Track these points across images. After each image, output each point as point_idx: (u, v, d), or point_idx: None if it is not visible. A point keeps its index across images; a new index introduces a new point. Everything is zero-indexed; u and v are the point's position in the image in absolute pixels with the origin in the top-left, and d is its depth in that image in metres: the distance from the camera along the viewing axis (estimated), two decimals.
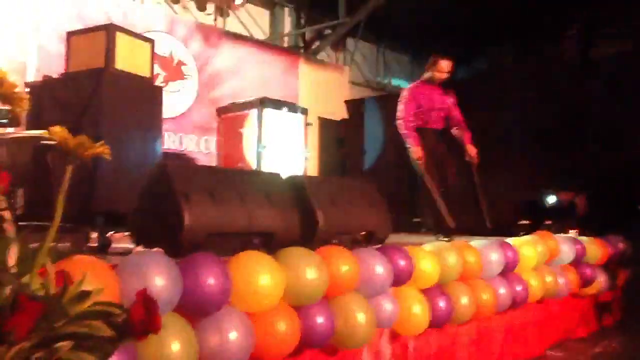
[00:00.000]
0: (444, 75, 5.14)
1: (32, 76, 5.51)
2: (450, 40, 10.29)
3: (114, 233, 3.60)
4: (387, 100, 10.00)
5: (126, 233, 3.14)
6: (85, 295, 0.93)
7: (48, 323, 0.84)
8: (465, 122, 5.26)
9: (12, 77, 1.22)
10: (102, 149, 1.01)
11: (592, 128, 6.42)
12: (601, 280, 4.81)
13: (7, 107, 1.17)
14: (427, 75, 5.23)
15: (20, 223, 2.59)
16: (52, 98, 3.60)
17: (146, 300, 0.90)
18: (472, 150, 5.17)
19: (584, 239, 4.77)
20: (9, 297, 0.83)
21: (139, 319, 0.88)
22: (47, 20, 6.07)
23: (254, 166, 5.34)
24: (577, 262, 4.55)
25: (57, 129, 0.97)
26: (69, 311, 0.89)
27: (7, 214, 0.93)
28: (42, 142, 2.65)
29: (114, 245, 3.28)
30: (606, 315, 5.11)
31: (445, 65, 5.11)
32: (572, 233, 5.22)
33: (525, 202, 6.03)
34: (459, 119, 5.28)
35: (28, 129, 3.52)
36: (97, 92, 3.45)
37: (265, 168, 5.27)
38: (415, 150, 5.06)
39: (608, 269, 4.94)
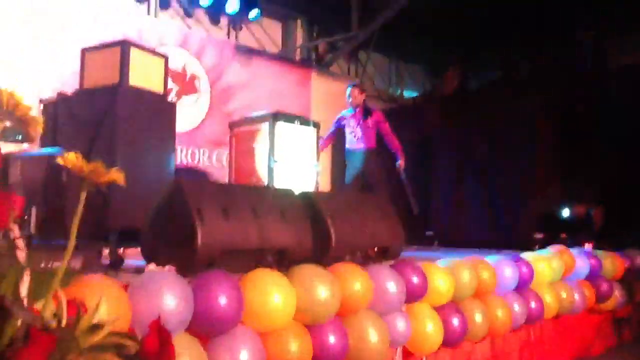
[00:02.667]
0: (351, 100, 6.39)
1: (48, 94, 5.56)
2: (462, 50, 10.29)
3: (126, 249, 3.60)
4: (400, 112, 9.99)
5: (139, 249, 3.13)
6: (98, 327, 0.92)
7: (60, 356, 0.83)
8: (393, 138, 6.33)
9: (26, 94, 1.22)
10: (116, 175, 1.00)
11: (608, 140, 6.35)
12: (618, 295, 4.74)
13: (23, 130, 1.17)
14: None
15: (33, 241, 2.59)
16: (66, 114, 3.62)
17: (160, 331, 0.89)
18: (401, 162, 6.23)
19: (600, 252, 4.71)
20: (21, 329, 0.83)
21: (152, 350, 0.87)
22: (61, 37, 6.13)
23: (266, 181, 5.33)
24: (593, 277, 4.48)
25: (70, 155, 0.97)
26: (81, 343, 0.88)
27: (20, 242, 0.93)
28: (57, 159, 2.66)
29: (127, 261, 3.28)
30: (624, 330, 5.03)
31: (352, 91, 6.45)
32: (588, 246, 5.16)
33: (540, 215, 5.98)
34: (387, 137, 6.34)
35: (42, 145, 3.55)
36: (112, 108, 3.47)
37: (278, 182, 5.25)
38: None
39: (625, 283, 4.87)
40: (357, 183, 6.23)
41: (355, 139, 6.36)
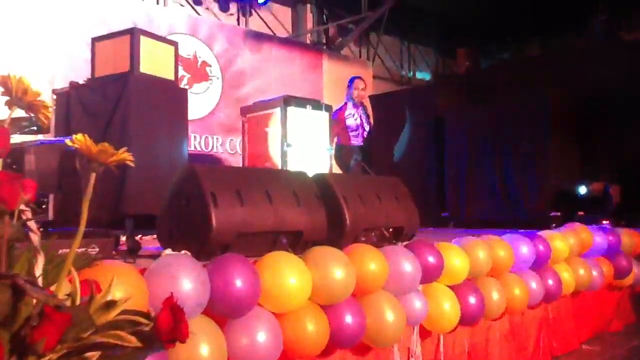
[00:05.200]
0: (357, 94, 6.31)
1: (60, 84, 5.60)
2: (474, 31, 10.18)
3: (142, 236, 3.63)
4: (412, 93, 9.92)
5: (155, 236, 3.16)
6: (112, 304, 0.93)
7: (75, 334, 0.84)
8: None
9: (38, 84, 1.23)
10: (125, 155, 1.00)
11: (624, 115, 6.25)
12: (637, 271, 4.69)
13: (31, 115, 1.18)
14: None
15: (51, 229, 2.63)
16: (79, 104, 3.65)
17: (173, 308, 0.90)
18: None
19: (617, 229, 4.66)
20: (36, 308, 0.84)
21: (166, 328, 0.88)
22: (72, 27, 6.16)
23: (279, 165, 5.34)
24: (611, 253, 4.44)
25: (79, 137, 0.97)
26: (96, 321, 0.89)
27: (33, 224, 0.94)
28: (70, 147, 2.68)
29: (144, 248, 3.31)
30: None
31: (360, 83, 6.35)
32: (605, 223, 5.11)
33: (557, 193, 5.92)
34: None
35: (57, 135, 3.58)
36: (123, 96, 3.48)
37: (291, 166, 5.26)
38: None
39: None
40: None
41: (358, 135, 6.33)
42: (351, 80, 6.44)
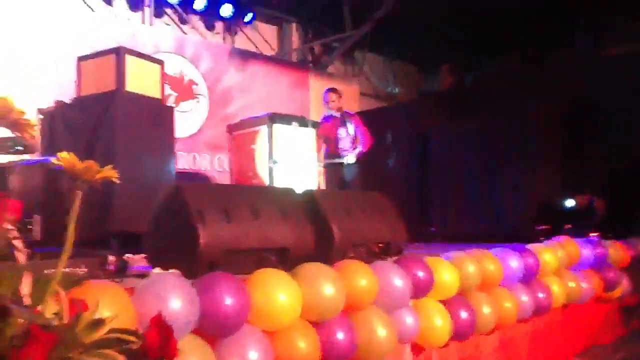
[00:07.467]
0: (330, 105, 6.25)
1: (46, 103, 5.57)
2: (457, 47, 10.29)
3: (130, 255, 3.59)
4: (397, 109, 9.98)
5: (143, 255, 3.13)
6: (99, 323, 0.91)
7: (62, 353, 0.82)
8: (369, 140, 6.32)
9: (24, 104, 1.22)
10: (110, 172, 0.99)
11: (608, 129, 6.32)
12: (625, 284, 4.72)
13: (17, 134, 1.16)
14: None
15: (37, 249, 2.59)
16: (65, 123, 3.62)
17: (161, 326, 0.88)
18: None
19: (605, 242, 4.69)
20: (22, 328, 0.82)
21: (154, 345, 0.87)
22: (58, 47, 6.14)
23: (266, 182, 5.33)
24: (600, 266, 4.47)
25: (64, 155, 0.96)
26: (83, 340, 0.87)
27: (19, 243, 0.92)
28: (55, 167, 2.66)
29: (131, 267, 3.27)
30: (632, 319, 5.01)
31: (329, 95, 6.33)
32: (593, 236, 5.14)
33: (544, 207, 5.95)
34: (365, 138, 6.28)
35: (43, 154, 3.55)
36: (109, 115, 3.47)
37: (278, 183, 5.26)
38: None
39: (631, 272, 4.85)
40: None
41: (335, 146, 6.17)
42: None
